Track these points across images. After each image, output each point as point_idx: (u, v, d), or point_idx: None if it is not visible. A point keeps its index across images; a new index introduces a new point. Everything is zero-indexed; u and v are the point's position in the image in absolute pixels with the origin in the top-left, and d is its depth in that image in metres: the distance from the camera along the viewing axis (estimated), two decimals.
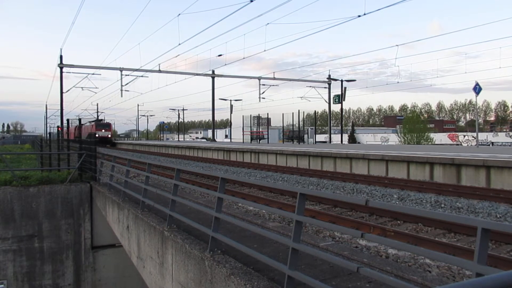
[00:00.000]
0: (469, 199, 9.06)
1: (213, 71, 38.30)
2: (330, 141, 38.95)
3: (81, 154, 12.86)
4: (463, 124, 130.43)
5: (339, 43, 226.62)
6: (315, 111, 41.70)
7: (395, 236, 6.25)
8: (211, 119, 44.31)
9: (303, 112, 36.60)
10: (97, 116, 65.99)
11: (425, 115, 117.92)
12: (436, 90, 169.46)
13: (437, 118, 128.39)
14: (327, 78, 38.86)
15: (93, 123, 57.51)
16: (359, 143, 68.78)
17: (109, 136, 56.13)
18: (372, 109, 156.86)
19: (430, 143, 50.90)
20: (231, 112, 47.63)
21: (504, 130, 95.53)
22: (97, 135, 46.57)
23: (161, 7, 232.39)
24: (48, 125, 71.75)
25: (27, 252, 11.58)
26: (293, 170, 16.15)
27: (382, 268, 3.97)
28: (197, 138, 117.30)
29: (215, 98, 41.31)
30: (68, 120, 20.95)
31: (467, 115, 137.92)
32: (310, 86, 39.02)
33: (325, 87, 38.83)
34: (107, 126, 57.72)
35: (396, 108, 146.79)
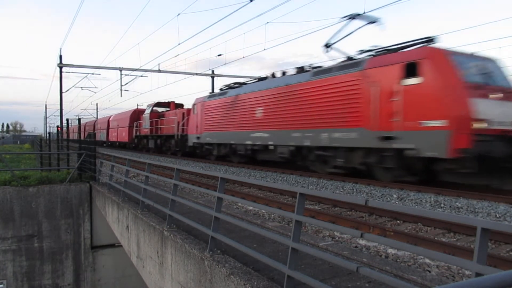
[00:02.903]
0: (469, 198, 9.05)
1: (212, 71, 38.23)
2: None
3: (81, 154, 12.86)
4: None
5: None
6: None
7: (395, 235, 6.25)
8: None
9: None
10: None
11: None
12: None
13: None
14: None
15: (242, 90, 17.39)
16: None
17: None
18: None
19: None
20: None
21: None
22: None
23: (161, 7, 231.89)
24: (47, 124, 71.59)
25: (27, 252, 11.58)
26: (293, 170, 16.13)
27: (382, 268, 3.97)
28: None
29: None
30: (67, 119, 20.87)
31: None
32: None
33: None
34: None
35: None
